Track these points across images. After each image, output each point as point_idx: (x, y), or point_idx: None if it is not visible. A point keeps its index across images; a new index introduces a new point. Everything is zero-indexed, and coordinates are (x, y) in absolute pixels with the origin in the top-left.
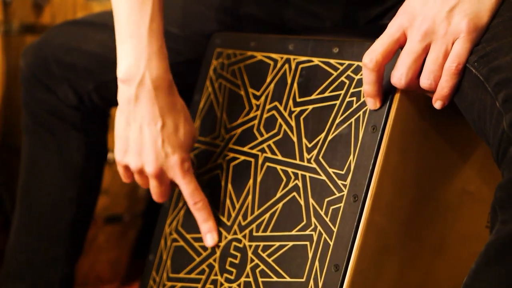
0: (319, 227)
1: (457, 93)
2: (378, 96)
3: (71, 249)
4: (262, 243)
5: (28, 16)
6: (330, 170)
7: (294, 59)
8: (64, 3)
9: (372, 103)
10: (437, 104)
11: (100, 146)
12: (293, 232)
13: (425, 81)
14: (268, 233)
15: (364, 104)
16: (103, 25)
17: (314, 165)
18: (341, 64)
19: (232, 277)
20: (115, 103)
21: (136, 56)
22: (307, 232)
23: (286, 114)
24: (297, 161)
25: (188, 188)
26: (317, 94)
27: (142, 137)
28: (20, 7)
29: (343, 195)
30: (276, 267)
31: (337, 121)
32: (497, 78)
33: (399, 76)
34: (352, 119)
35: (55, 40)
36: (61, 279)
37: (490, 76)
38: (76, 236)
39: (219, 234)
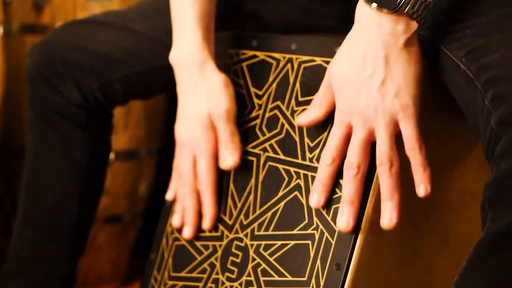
0: (320, 226)
1: (454, 88)
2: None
3: (73, 247)
4: (263, 242)
5: (28, 16)
6: None
7: (296, 58)
8: (64, 3)
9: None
10: (421, 189)
11: (104, 145)
12: (295, 231)
13: (381, 163)
14: (269, 232)
15: None
16: (110, 24)
17: (316, 164)
18: None
19: (234, 276)
20: (119, 103)
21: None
22: (308, 231)
23: (288, 114)
24: (299, 160)
25: None
26: None
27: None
28: (20, 7)
29: None
30: (278, 266)
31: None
32: (485, 76)
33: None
34: None
35: (61, 39)
36: (62, 277)
37: (479, 73)
38: (78, 234)
39: (221, 234)
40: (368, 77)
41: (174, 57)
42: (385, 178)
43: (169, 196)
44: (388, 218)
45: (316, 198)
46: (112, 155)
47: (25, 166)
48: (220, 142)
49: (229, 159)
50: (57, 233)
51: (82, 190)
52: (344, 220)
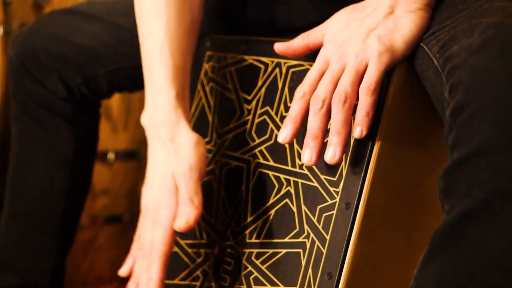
0: (312, 235)
1: (429, 86)
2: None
3: (62, 240)
4: (255, 250)
5: (28, 16)
6: (322, 177)
7: (284, 63)
8: (64, 3)
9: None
10: (357, 131)
11: (91, 137)
12: (286, 239)
13: (336, 95)
14: (261, 240)
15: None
16: (95, 16)
17: (306, 172)
18: None
19: (226, 284)
20: (104, 96)
21: None
22: (300, 239)
23: (277, 119)
24: (289, 167)
25: None
26: None
27: None
28: (20, 7)
29: (335, 202)
30: (270, 275)
31: (328, 127)
32: (448, 68)
33: (318, 101)
34: None
35: (45, 30)
36: (52, 270)
37: (444, 65)
38: (67, 227)
39: (213, 241)
40: (362, 19)
41: (146, 119)
42: (335, 112)
43: (123, 271)
44: (332, 153)
45: (283, 135)
46: (112, 155)
47: (10, 158)
48: (179, 201)
49: (181, 219)
50: (44, 226)
51: (69, 183)
52: (307, 154)
